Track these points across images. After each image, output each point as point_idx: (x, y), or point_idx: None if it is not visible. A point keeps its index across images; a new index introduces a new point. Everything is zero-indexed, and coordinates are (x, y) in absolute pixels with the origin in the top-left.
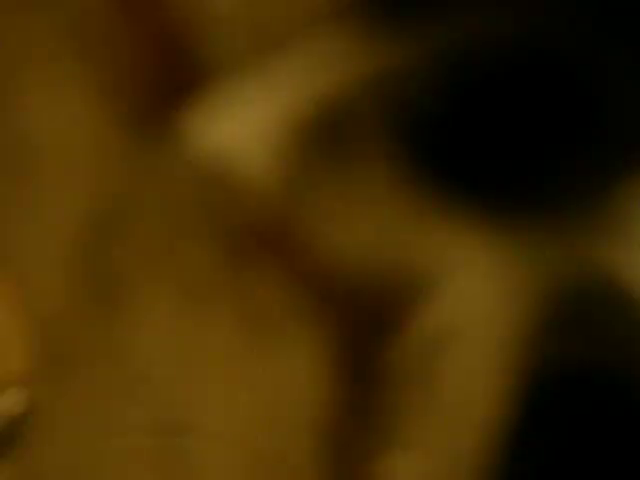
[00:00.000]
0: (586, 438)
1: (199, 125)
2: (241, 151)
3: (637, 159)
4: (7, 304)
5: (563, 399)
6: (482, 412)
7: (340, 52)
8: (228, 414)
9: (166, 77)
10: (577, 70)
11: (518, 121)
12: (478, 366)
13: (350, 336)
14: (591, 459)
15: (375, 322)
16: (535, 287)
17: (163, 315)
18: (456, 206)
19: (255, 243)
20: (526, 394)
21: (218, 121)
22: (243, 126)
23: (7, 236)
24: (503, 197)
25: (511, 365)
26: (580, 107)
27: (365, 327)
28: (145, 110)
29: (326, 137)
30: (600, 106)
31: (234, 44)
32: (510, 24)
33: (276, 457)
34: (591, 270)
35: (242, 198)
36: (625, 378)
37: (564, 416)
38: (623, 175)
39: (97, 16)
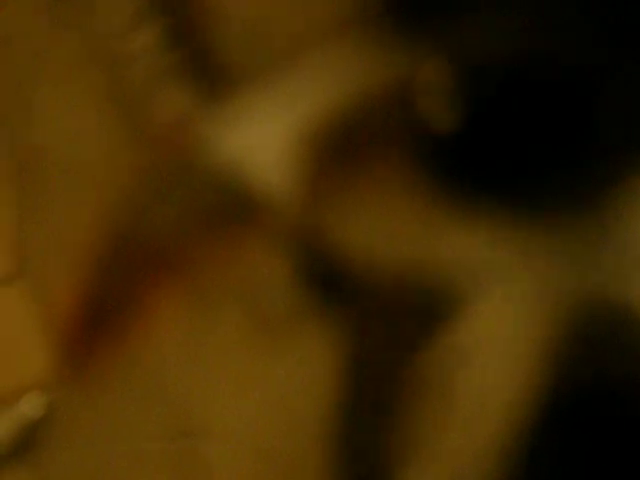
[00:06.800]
0: (600, 454)
1: (215, 135)
2: (257, 160)
3: None
4: (26, 310)
5: (577, 415)
6: (498, 428)
7: (356, 61)
8: (239, 417)
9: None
10: (585, 81)
11: (530, 131)
12: (495, 382)
13: (363, 338)
14: (605, 474)
15: (390, 325)
16: (551, 305)
17: (175, 318)
18: (470, 213)
19: (265, 246)
20: (541, 411)
21: (234, 131)
22: (260, 135)
23: (25, 243)
24: (516, 206)
25: (527, 381)
26: (590, 119)
27: (380, 330)
28: (158, 125)
29: (342, 144)
30: (606, 118)
31: (253, 54)
32: (523, 37)
33: (287, 458)
34: (603, 287)
35: (258, 205)
36: None
37: (578, 432)
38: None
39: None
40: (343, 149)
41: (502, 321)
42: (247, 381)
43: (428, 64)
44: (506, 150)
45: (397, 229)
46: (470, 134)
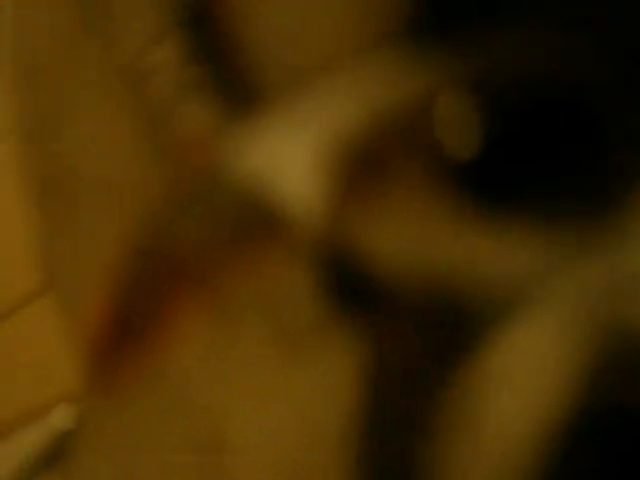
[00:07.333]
0: None
1: (240, 150)
2: (284, 175)
3: None
4: (54, 325)
5: (611, 448)
6: (520, 461)
7: (383, 78)
8: (260, 430)
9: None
10: (596, 97)
11: (549, 146)
12: (521, 414)
13: (388, 351)
14: None
15: (418, 339)
16: (587, 328)
17: (196, 332)
18: (501, 226)
19: (288, 260)
20: (564, 444)
21: (260, 145)
22: (287, 150)
23: (52, 259)
24: (548, 220)
25: (551, 415)
26: (604, 133)
27: (407, 344)
28: (181, 139)
29: (368, 156)
30: (620, 132)
31: (279, 70)
32: (541, 60)
33: (309, 471)
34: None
35: (281, 220)
36: None
37: (612, 466)
38: None
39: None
40: (370, 161)
41: (536, 347)
42: (269, 394)
43: (446, 94)
44: (528, 164)
45: (425, 240)
46: (489, 156)
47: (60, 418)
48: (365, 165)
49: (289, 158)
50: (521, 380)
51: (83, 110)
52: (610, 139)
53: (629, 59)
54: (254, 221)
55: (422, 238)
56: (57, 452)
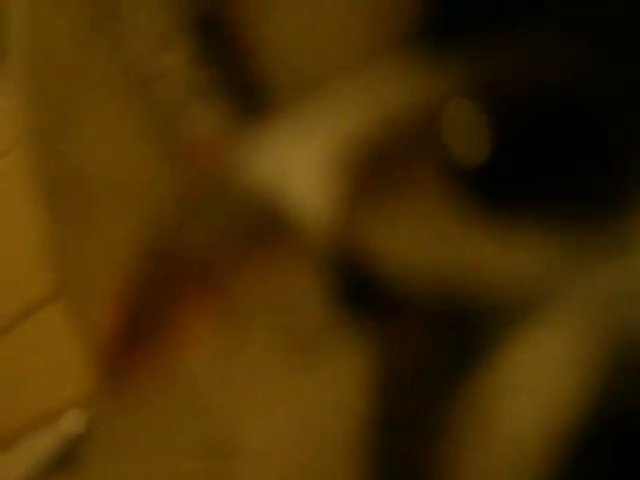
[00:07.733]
0: None
1: (250, 155)
2: (294, 180)
3: None
4: (66, 329)
5: (622, 451)
6: (533, 462)
7: (392, 83)
8: (269, 435)
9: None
10: (601, 106)
11: (554, 152)
12: (534, 416)
13: (397, 355)
14: None
15: (428, 341)
16: (599, 333)
17: (203, 337)
18: (510, 229)
19: (297, 265)
20: (576, 446)
21: (270, 151)
22: (296, 155)
23: (64, 262)
24: (555, 224)
25: (564, 418)
26: (610, 141)
27: (416, 346)
28: (190, 144)
29: (378, 162)
30: (625, 142)
31: (289, 75)
32: (542, 61)
33: (318, 476)
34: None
35: (291, 225)
36: None
37: (612, 472)
38: None
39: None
40: (379, 165)
41: (548, 350)
42: (276, 399)
43: (454, 99)
44: (531, 167)
45: (433, 243)
46: (496, 160)
47: (71, 422)
48: (374, 169)
49: (299, 163)
50: (534, 382)
51: (91, 110)
52: (610, 139)
53: (629, 59)
54: (263, 226)
55: (430, 241)
56: (68, 456)
